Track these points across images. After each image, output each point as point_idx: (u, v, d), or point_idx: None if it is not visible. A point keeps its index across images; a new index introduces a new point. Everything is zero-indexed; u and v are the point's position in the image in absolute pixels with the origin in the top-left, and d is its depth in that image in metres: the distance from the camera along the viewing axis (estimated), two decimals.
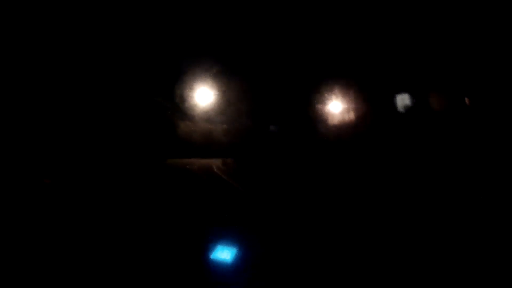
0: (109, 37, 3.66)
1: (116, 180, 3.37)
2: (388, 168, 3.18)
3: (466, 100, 3.19)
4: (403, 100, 3.53)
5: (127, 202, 3.23)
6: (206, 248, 2.70)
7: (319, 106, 3.63)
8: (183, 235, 2.86)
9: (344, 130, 3.60)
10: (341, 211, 3.06)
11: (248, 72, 3.88)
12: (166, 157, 3.78)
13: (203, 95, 4.02)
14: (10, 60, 3.22)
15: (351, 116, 3.68)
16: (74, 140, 3.44)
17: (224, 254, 2.57)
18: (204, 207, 3.24)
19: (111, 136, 3.58)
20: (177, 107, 3.99)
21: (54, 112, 3.43)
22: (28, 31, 3.31)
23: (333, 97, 3.62)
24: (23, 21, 3.26)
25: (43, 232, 2.76)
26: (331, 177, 3.29)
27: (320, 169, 3.32)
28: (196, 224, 3.01)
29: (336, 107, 3.57)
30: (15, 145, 3.17)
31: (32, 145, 3.28)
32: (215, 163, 3.81)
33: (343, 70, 3.54)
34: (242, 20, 3.74)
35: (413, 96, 3.58)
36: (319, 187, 3.25)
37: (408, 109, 3.53)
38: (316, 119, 3.65)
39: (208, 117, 4.11)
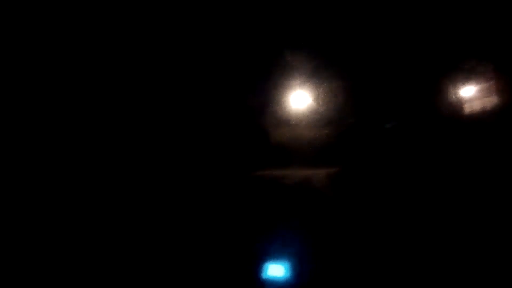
0: (195, 31, 3.33)
1: (197, 194, 2.90)
2: None
3: None
4: None
5: (205, 219, 2.73)
6: (256, 266, 2.39)
7: (446, 93, 2.75)
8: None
9: (481, 125, 2.68)
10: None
11: (350, 64, 3.21)
12: (256, 169, 3.24)
13: (300, 96, 3.47)
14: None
15: (488, 105, 2.76)
16: (150, 148, 3.09)
17: (276, 270, 2.31)
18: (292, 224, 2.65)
19: (192, 143, 3.17)
20: (270, 110, 3.49)
21: (132, 117, 3.14)
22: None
23: (466, 81, 2.73)
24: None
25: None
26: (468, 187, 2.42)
27: (452, 175, 2.47)
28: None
29: (470, 92, 2.65)
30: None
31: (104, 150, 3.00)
32: (316, 174, 3.16)
33: (470, 48, 2.68)
34: (337, 12, 3.15)
35: None
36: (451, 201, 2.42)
37: None
38: (443, 111, 2.78)
39: (306, 121, 3.53)
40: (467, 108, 2.58)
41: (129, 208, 2.75)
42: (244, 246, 2.52)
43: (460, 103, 2.61)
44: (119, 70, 3.19)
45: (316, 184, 3.09)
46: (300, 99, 3.28)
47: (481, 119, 2.56)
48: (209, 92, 3.27)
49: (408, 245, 2.35)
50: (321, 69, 3.19)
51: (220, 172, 3.06)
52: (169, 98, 3.21)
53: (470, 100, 2.57)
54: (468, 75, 2.63)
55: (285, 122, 3.42)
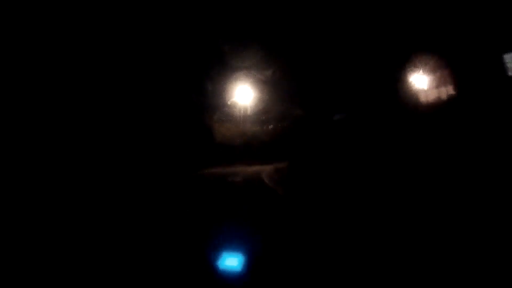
0: (137, 30, 3.12)
1: (140, 194, 2.74)
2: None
3: None
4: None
5: (151, 220, 2.59)
6: (212, 256, 2.33)
7: (397, 84, 2.77)
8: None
9: (432, 116, 2.73)
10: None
11: (295, 54, 3.15)
12: (202, 167, 3.10)
13: (243, 91, 3.39)
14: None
15: (441, 95, 2.83)
16: (93, 143, 2.86)
17: (232, 261, 2.33)
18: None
19: (134, 141, 2.97)
20: (213, 106, 3.37)
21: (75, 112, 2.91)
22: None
23: (417, 72, 2.77)
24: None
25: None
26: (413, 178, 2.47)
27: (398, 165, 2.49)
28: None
29: (422, 83, 2.68)
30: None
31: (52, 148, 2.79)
32: (265, 170, 3.10)
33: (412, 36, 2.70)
34: (280, 4, 3.08)
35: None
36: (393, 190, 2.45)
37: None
38: (394, 102, 2.81)
39: (251, 116, 3.46)
40: (420, 99, 2.63)
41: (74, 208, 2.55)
42: (196, 244, 2.41)
43: (412, 94, 2.65)
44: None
45: (265, 180, 3.04)
46: (243, 93, 3.20)
47: (432, 110, 2.62)
48: (151, 89, 3.09)
49: (357, 237, 2.37)
50: (264, 62, 3.13)
51: (165, 171, 2.90)
52: (111, 96, 2.99)
53: (422, 91, 2.62)
54: (419, 66, 2.68)
55: (229, 117, 3.32)
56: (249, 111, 3.23)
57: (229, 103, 3.23)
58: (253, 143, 3.12)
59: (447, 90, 2.61)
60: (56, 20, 2.89)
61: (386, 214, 2.34)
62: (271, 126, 3.14)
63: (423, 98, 2.65)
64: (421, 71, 2.69)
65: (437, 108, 2.59)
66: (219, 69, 3.21)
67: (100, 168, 2.82)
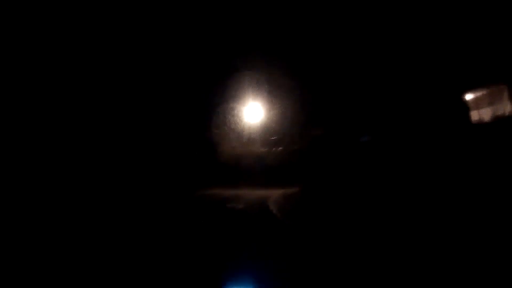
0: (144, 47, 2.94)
1: (135, 215, 2.44)
2: None
3: None
4: None
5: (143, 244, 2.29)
6: None
7: (434, 102, 2.41)
8: None
9: (469, 140, 2.38)
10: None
11: (312, 73, 2.88)
12: (200, 187, 2.80)
13: (253, 111, 3.14)
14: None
15: (482, 116, 2.49)
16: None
17: None
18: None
19: (132, 158, 2.70)
20: (219, 125, 3.12)
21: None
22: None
23: (454, 90, 2.45)
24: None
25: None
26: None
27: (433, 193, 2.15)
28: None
29: (459, 104, 2.36)
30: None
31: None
32: (272, 196, 2.78)
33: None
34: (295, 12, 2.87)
35: None
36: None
37: None
38: (429, 123, 2.46)
39: (261, 137, 3.19)
40: (467, 120, 2.31)
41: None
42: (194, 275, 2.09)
43: (459, 114, 2.32)
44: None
45: (271, 208, 2.71)
46: (253, 111, 2.94)
47: (468, 133, 2.31)
48: (152, 101, 2.84)
49: (376, 274, 2.04)
50: (279, 77, 2.89)
51: (162, 190, 2.61)
52: (110, 108, 2.75)
53: (472, 109, 2.31)
54: (458, 85, 2.37)
55: (235, 136, 3.06)
56: (258, 131, 2.94)
57: (236, 120, 2.96)
58: (260, 166, 2.82)
59: (487, 112, 2.29)
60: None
61: (418, 258, 2.02)
62: (281, 148, 2.85)
63: (473, 118, 2.31)
64: (459, 93, 2.39)
65: (473, 132, 2.27)
66: (227, 84, 2.96)
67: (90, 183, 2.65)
